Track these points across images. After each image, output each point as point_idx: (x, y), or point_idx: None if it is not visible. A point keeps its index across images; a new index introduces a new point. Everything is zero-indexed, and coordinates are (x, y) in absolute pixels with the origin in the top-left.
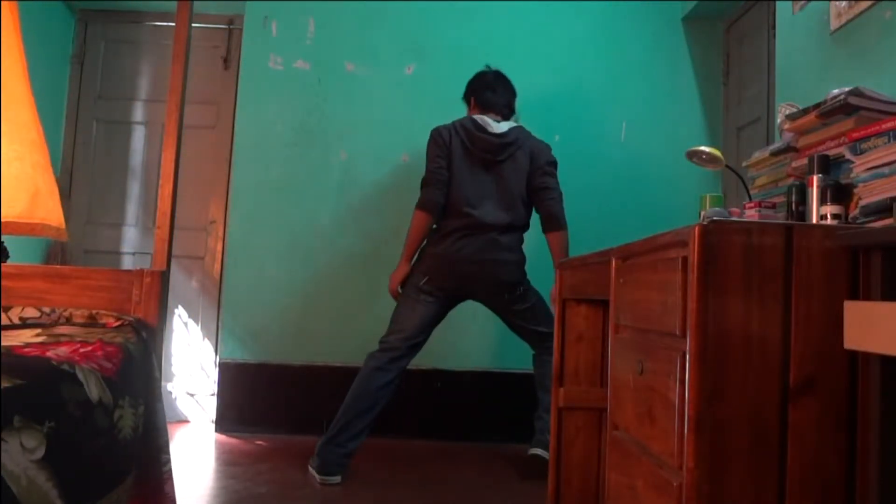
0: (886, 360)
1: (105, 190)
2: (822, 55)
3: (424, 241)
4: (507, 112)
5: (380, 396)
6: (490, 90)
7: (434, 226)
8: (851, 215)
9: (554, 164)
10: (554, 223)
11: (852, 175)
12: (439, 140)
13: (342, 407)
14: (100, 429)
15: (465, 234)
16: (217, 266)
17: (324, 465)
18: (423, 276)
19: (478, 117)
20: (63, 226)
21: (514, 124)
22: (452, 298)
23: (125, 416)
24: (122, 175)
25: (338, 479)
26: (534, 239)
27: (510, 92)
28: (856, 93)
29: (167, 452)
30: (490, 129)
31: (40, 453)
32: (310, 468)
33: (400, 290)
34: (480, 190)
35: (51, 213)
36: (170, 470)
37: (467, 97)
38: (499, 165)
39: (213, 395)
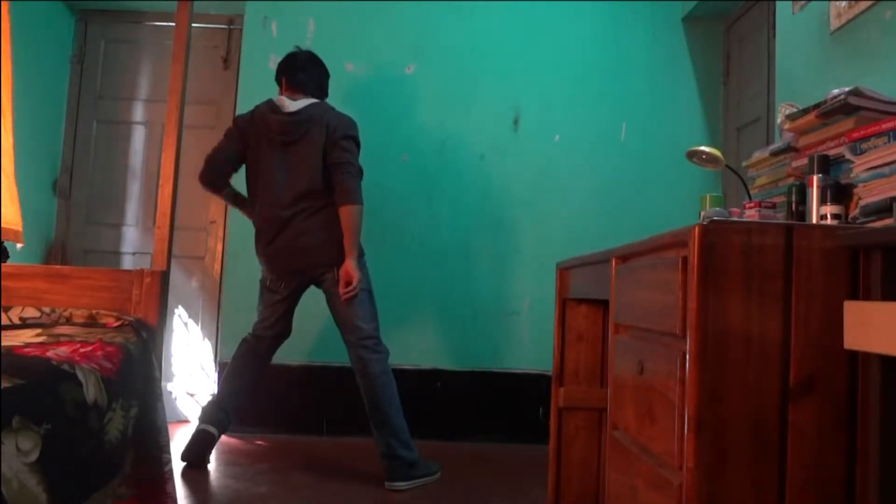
0: (886, 360)
1: (105, 190)
2: (822, 55)
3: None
4: (318, 93)
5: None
6: (301, 71)
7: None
8: (851, 215)
9: (352, 138)
10: (342, 196)
11: (852, 175)
12: (232, 129)
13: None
14: (91, 431)
15: (272, 227)
16: (217, 266)
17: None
18: (266, 277)
19: (275, 98)
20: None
21: (313, 101)
22: (296, 289)
23: (115, 419)
24: (122, 175)
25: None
26: (535, 243)
27: (322, 73)
28: (856, 93)
29: (168, 452)
30: (283, 109)
31: (34, 456)
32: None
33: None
34: (280, 175)
35: (13, 216)
36: (171, 470)
37: (278, 78)
38: (294, 146)
39: (212, 395)
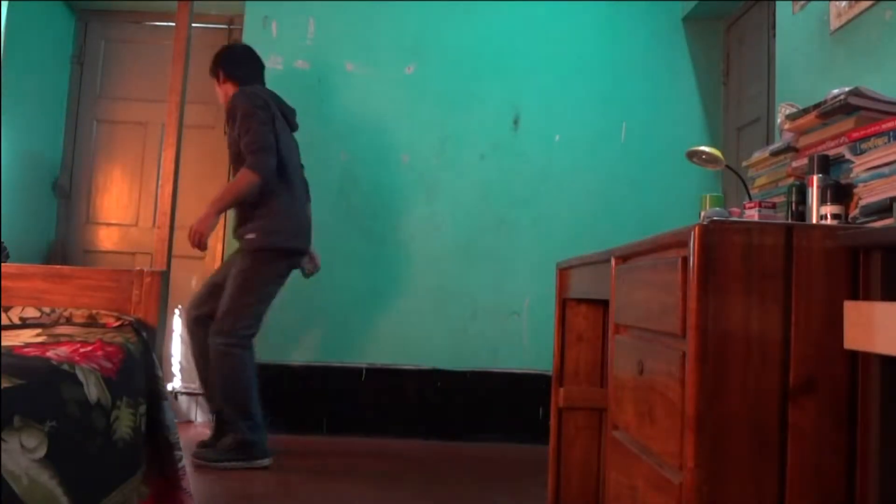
0: (886, 360)
1: (105, 190)
2: (822, 55)
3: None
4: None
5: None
6: (250, 68)
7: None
8: (851, 215)
9: None
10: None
11: (852, 175)
12: (264, 106)
13: (238, 397)
14: (97, 430)
15: (306, 211)
16: (217, 266)
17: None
18: (287, 266)
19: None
20: None
21: None
22: None
23: (122, 417)
24: (122, 175)
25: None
26: (535, 243)
27: (262, 66)
28: (856, 93)
29: (179, 449)
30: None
31: (41, 452)
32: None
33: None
34: (297, 157)
35: None
36: (184, 466)
37: (228, 71)
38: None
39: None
